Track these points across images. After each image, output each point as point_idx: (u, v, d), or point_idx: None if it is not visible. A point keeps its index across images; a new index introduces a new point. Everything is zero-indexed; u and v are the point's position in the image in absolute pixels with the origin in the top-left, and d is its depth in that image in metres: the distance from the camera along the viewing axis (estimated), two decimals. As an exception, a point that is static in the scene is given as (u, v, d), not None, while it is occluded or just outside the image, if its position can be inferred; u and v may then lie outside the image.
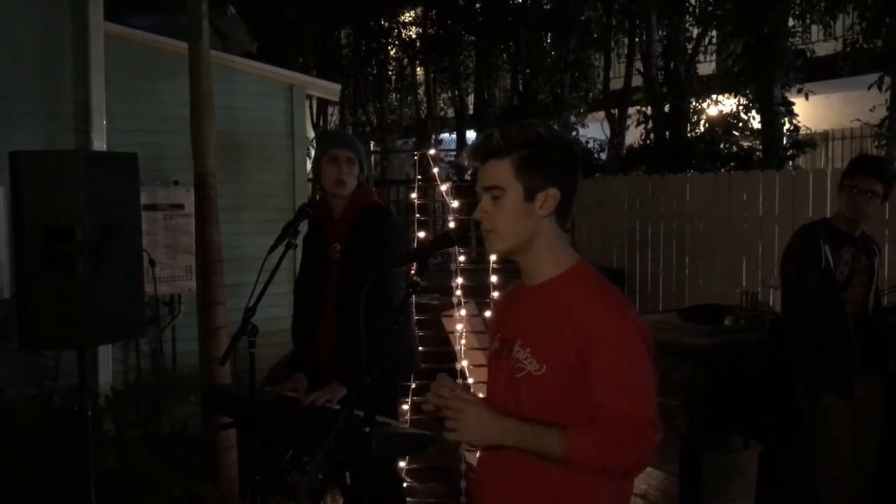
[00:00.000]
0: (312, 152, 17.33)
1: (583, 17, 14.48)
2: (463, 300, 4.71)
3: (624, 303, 1.95)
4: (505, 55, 17.07)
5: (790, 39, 10.74)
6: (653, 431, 1.84)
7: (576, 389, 1.86)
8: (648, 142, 12.18)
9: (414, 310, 3.94)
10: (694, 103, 12.35)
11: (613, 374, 1.84)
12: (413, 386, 4.31)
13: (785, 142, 10.50)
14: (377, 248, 3.21)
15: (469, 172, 2.64)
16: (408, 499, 4.02)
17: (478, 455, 2.09)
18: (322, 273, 3.43)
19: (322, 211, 3.44)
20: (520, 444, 1.84)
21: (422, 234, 4.94)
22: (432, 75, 18.68)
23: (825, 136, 13.04)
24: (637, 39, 13.73)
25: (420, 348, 3.60)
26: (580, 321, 1.87)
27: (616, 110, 13.92)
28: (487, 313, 4.53)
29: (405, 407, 4.30)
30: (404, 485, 4.13)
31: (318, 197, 3.59)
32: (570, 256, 2.00)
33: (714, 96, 12.21)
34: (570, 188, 1.96)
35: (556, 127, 2.13)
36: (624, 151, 13.16)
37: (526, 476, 1.91)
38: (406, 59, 20.68)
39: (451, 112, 20.17)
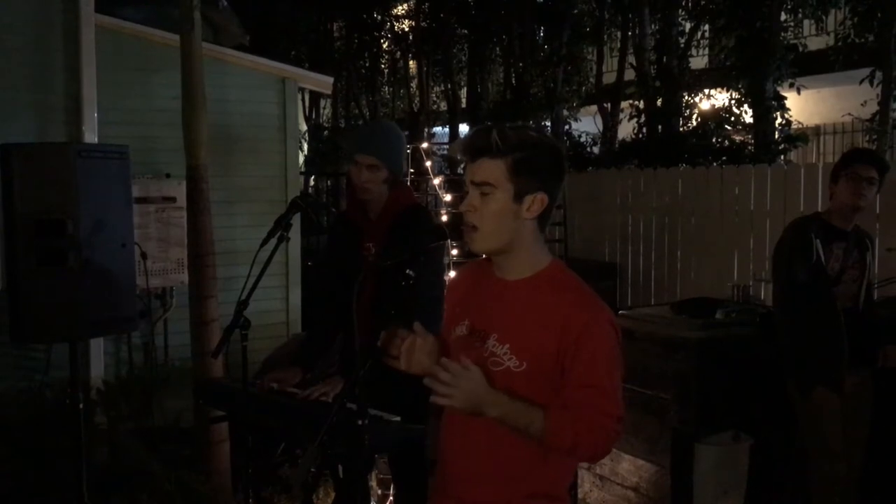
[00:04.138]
0: (305, 145, 17.29)
1: (575, 11, 14.49)
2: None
3: (600, 303, 2.01)
4: (498, 49, 17.08)
5: (782, 34, 10.75)
6: (619, 425, 1.93)
7: (550, 386, 1.94)
8: (641, 136, 12.19)
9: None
10: (686, 97, 12.37)
11: (590, 373, 1.92)
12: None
13: (777, 136, 10.52)
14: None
15: (462, 166, 2.63)
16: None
17: (444, 420, 2.14)
18: (354, 271, 3.34)
19: (355, 206, 3.33)
20: (503, 417, 1.90)
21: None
22: (425, 68, 18.66)
23: (817, 131, 13.09)
24: (630, 33, 13.75)
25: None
26: (560, 323, 1.93)
27: (608, 104, 13.94)
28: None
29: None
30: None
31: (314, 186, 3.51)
32: (545, 256, 2.06)
33: (706, 90, 12.23)
34: (555, 195, 2.03)
35: (547, 130, 2.17)
36: (616, 145, 13.19)
37: (494, 439, 1.99)
38: (399, 53, 20.66)
39: (443, 105, 20.17)
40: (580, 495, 4.36)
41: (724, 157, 10.31)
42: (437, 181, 4.96)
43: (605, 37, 15.15)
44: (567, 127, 14.49)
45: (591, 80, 15.38)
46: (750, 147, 10.72)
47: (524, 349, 1.95)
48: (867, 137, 9.73)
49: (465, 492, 2.05)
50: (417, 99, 19.50)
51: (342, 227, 3.45)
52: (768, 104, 10.33)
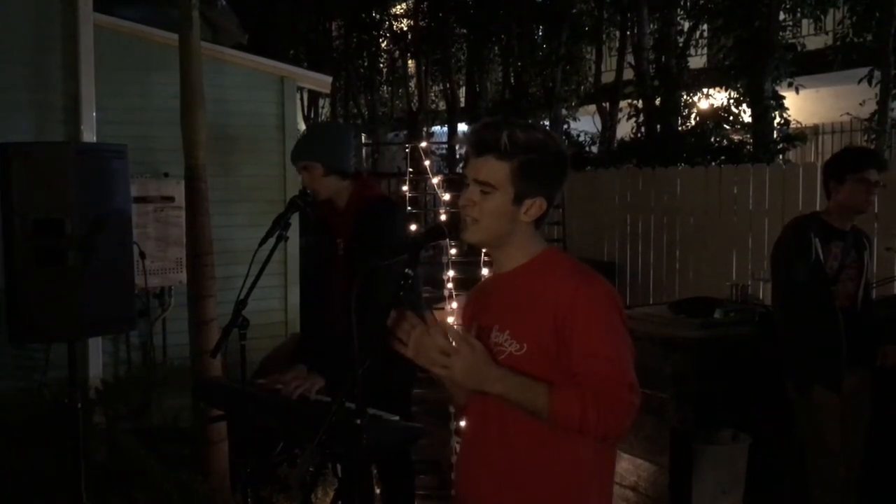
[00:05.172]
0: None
1: (574, 11, 14.49)
2: (454, 293, 4.72)
3: (593, 275, 1.98)
4: (496, 48, 17.08)
5: (781, 33, 10.77)
6: (632, 394, 1.84)
7: (556, 367, 1.90)
8: (639, 135, 12.21)
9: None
10: (685, 97, 12.38)
11: (589, 341, 1.87)
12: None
13: (775, 135, 10.54)
14: (379, 245, 3.18)
15: (461, 165, 2.66)
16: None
17: (459, 442, 2.12)
18: (328, 268, 3.39)
19: (327, 205, 3.38)
20: (507, 393, 1.86)
21: (413, 227, 4.94)
22: (424, 68, 18.67)
23: (815, 130, 13.10)
24: (628, 33, 13.75)
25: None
26: (554, 299, 1.91)
27: (607, 104, 13.94)
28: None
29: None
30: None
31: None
32: (539, 244, 2.06)
33: (705, 90, 12.24)
34: (554, 199, 2.03)
35: (552, 132, 2.13)
36: (615, 145, 13.20)
37: (510, 463, 1.96)
38: (397, 52, 20.67)
39: (442, 105, 20.18)
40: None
41: (722, 157, 10.32)
42: (435, 180, 4.96)
43: (604, 36, 15.15)
44: (566, 126, 14.50)
45: (590, 79, 15.39)
46: (748, 146, 10.73)
47: (523, 332, 1.93)
48: (866, 137, 9.74)
49: (481, 494, 2.03)
50: (416, 98, 19.51)
51: (318, 226, 3.52)
52: (767, 104, 10.34)
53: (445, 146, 15.64)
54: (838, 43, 10.57)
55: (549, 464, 1.94)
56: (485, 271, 4.80)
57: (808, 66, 11.00)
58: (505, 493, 1.98)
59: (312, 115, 21.45)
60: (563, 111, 14.51)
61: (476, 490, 2.05)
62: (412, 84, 20.56)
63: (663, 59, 12.14)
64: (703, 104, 12.29)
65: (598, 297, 1.92)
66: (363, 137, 19.56)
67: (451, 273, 4.71)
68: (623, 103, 13.43)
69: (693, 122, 12.10)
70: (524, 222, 2.00)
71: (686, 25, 12.80)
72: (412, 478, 3.57)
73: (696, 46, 13.16)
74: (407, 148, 5.53)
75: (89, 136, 5.11)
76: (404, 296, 2.01)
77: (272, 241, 3.07)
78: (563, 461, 1.94)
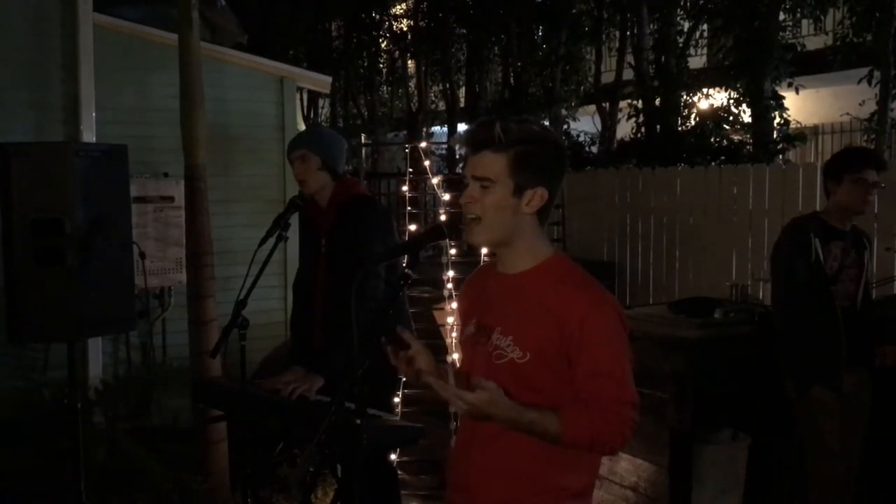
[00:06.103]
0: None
1: (574, 11, 14.49)
2: (454, 293, 4.71)
3: (601, 290, 2.00)
4: (496, 48, 17.07)
5: (781, 33, 10.76)
6: (634, 411, 1.91)
7: (558, 375, 1.93)
8: (639, 135, 12.19)
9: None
10: (685, 97, 12.37)
11: (596, 360, 1.90)
12: (404, 379, 4.31)
13: (775, 136, 10.53)
14: (358, 241, 3.21)
15: (461, 165, 2.70)
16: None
17: (453, 441, 2.13)
18: (313, 266, 3.43)
19: (312, 204, 3.43)
20: (517, 429, 1.89)
21: (413, 227, 4.94)
22: (423, 68, 18.67)
23: (815, 131, 13.10)
24: (628, 33, 13.74)
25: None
26: (561, 312, 1.92)
27: (607, 104, 13.93)
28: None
29: (395, 399, 4.31)
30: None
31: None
32: (546, 248, 2.06)
33: (705, 90, 12.23)
34: (556, 190, 2.03)
35: (548, 125, 2.16)
36: (615, 145, 13.19)
37: (504, 458, 1.99)
38: (397, 52, 20.67)
39: (442, 105, 20.17)
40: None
41: (722, 157, 10.31)
42: (435, 180, 4.96)
43: (604, 36, 15.14)
44: (565, 126, 14.49)
45: (590, 79, 15.38)
46: (748, 147, 10.72)
47: (526, 340, 1.95)
48: (865, 137, 9.74)
49: (476, 490, 2.04)
50: (416, 98, 19.50)
51: (306, 226, 3.55)
52: (766, 104, 10.33)
53: (445, 146, 15.64)
54: (838, 43, 10.57)
55: (541, 459, 1.96)
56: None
57: (808, 67, 10.99)
58: (497, 485, 2.00)
59: (312, 115, 21.46)
60: (563, 111, 14.50)
61: (472, 483, 2.06)
62: (412, 84, 20.56)
63: (663, 59, 12.12)
64: (703, 104, 12.28)
65: (607, 316, 1.95)
66: (363, 137, 19.58)
67: (450, 273, 4.71)
68: (623, 103, 13.42)
69: (693, 122, 12.08)
70: (527, 215, 1.99)
71: (686, 25, 12.79)
72: (395, 477, 3.59)
73: (695, 46, 13.15)
74: (406, 148, 5.52)
75: (89, 136, 5.11)
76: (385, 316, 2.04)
77: (272, 241, 3.08)
78: (556, 458, 1.96)
